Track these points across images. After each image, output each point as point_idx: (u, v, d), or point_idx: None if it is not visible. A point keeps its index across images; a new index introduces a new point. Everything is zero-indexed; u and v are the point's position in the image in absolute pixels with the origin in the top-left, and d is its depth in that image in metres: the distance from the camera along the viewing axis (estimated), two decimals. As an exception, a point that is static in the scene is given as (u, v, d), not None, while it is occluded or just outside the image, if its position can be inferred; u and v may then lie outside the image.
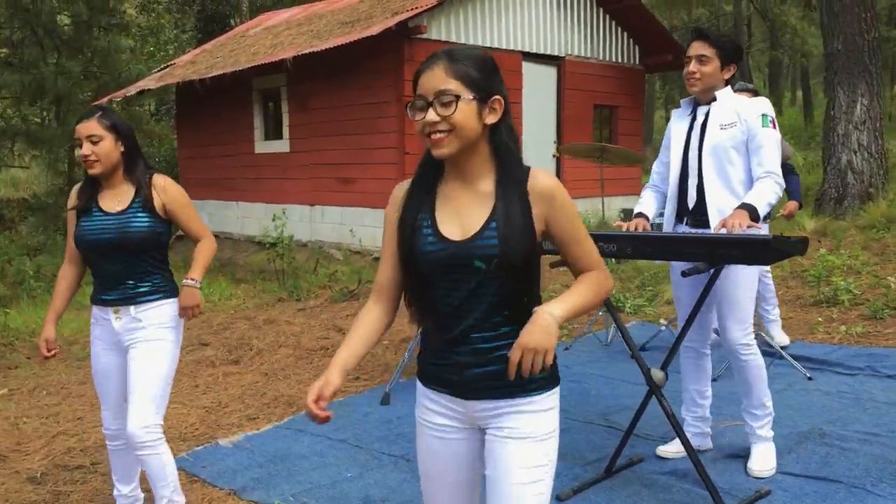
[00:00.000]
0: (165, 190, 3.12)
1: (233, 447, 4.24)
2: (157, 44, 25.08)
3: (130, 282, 3.06)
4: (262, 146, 13.00)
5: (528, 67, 11.95)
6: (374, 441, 4.19)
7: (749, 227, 3.12)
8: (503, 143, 1.88)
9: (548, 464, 1.91)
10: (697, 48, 3.41)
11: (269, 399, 4.97)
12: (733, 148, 3.42)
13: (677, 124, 3.61)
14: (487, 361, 1.88)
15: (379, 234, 10.80)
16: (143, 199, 3.06)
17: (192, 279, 3.15)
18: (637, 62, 13.88)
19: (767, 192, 3.30)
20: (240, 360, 5.93)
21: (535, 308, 1.80)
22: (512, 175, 1.87)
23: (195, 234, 3.24)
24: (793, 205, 5.39)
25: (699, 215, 3.52)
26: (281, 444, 4.23)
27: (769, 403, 3.60)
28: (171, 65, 15.78)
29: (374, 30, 9.71)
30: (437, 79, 1.81)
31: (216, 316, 7.70)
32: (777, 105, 33.15)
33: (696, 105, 3.58)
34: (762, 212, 3.24)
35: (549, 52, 12.26)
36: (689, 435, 3.77)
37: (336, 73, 11.18)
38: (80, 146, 2.99)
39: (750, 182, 3.44)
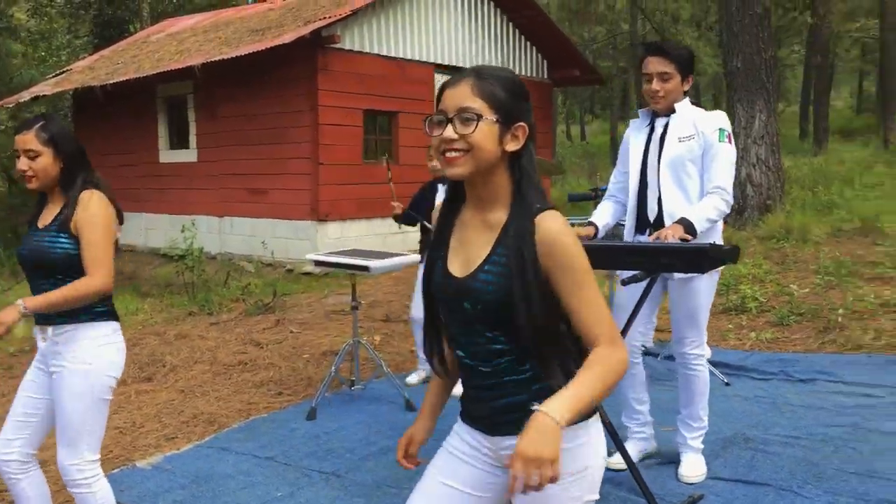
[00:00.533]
0: (85, 207, 2.82)
1: (152, 469, 4.04)
2: (49, 49, 24.06)
3: None
4: (168, 155, 12.61)
5: (440, 79, 11.99)
6: (302, 458, 4.07)
7: (682, 238, 3.17)
8: (523, 174, 1.74)
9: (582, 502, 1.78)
10: (658, 65, 3.39)
11: (187, 417, 4.77)
12: (691, 161, 3.45)
13: (635, 136, 3.61)
14: (501, 395, 1.79)
15: (291, 245, 10.62)
16: (62, 219, 2.82)
17: (24, 304, 2.67)
18: (546, 76, 14.13)
19: (710, 209, 3.33)
20: (153, 378, 5.68)
21: (536, 408, 1.57)
22: (526, 211, 1.71)
23: (84, 262, 2.78)
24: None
25: (660, 225, 3.53)
26: (203, 463, 4.06)
27: (706, 417, 3.66)
28: (67, 70, 15.14)
29: (288, 38, 9.56)
30: (461, 95, 1.71)
31: (122, 331, 7.36)
32: None
33: (653, 116, 3.60)
34: (699, 227, 3.27)
35: (461, 65, 12.35)
36: (634, 440, 3.80)
37: (247, 82, 10.95)
38: (18, 158, 2.78)
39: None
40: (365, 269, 4.46)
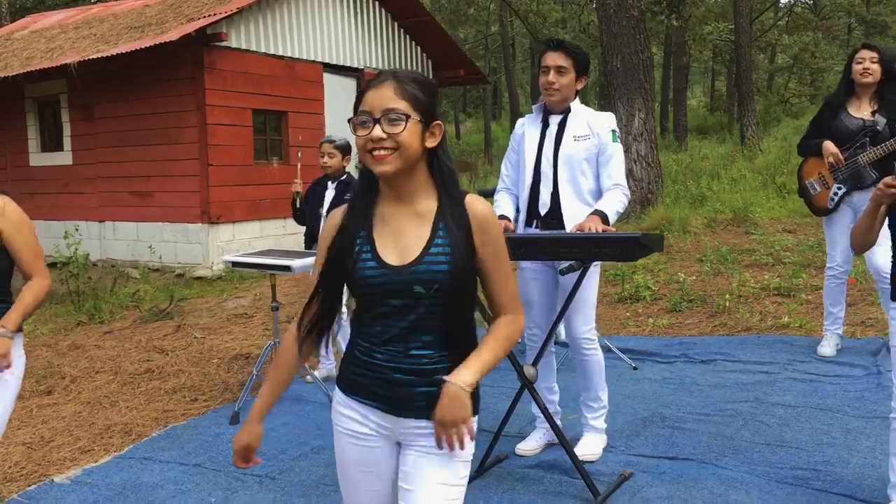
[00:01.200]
0: (3, 212, 2.76)
1: (71, 483, 3.88)
2: None
3: None
4: (39, 158, 11.97)
5: (329, 79, 11.94)
6: (231, 463, 4.00)
7: (604, 230, 3.33)
8: (444, 166, 1.90)
9: (463, 484, 1.94)
10: (556, 59, 3.57)
11: (100, 429, 4.59)
12: (586, 160, 3.63)
13: (530, 131, 3.76)
14: (426, 383, 1.88)
15: (180, 249, 10.32)
16: None
17: (2, 326, 2.73)
18: (431, 76, 14.27)
19: (617, 202, 3.53)
20: (53, 390, 5.42)
21: (444, 378, 1.81)
22: (454, 198, 1.89)
23: (25, 268, 2.84)
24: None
25: (551, 220, 3.68)
26: (127, 474, 3.93)
27: (605, 397, 3.85)
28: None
29: (173, 35, 9.27)
30: (386, 97, 1.81)
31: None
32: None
33: (546, 113, 3.75)
34: (612, 219, 3.47)
35: (349, 65, 12.32)
36: (543, 429, 3.94)
37: (127, 81, 10.54)
38: None
39: (598, 192, 3.65)
40: (287, 268, 4.43)
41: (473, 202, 1.89)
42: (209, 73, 9.97)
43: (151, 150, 10.46)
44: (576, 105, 3.68)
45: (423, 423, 1.89)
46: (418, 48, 13.93)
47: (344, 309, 5.00)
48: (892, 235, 3.00)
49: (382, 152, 1.81)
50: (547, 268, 3.79)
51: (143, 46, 9.52)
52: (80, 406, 5.07)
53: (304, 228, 5.42)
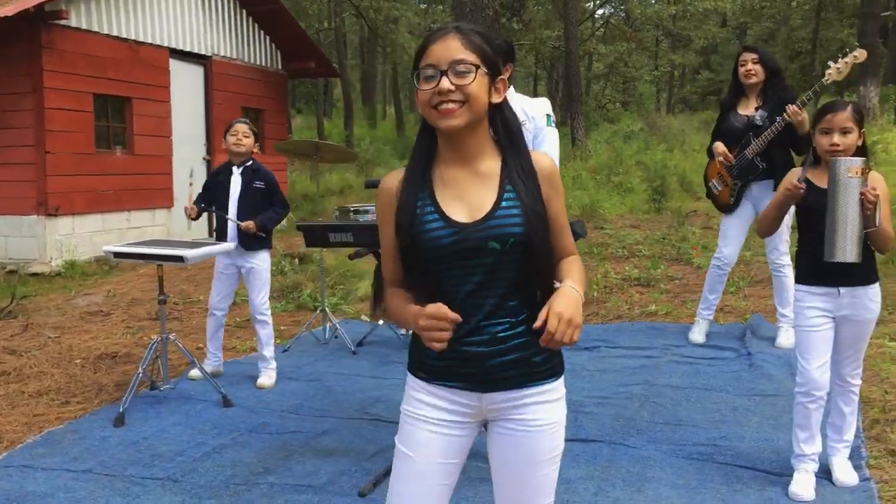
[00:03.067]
0: None
1: (-59, 498, 3.47)
2: None
3: None
4: None
5: (175, 65, 11.37)
6: (125, 467, 3.73)
7: None
8: (508, 122, 1.84)
9: (559, 453, 1.91)
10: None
11: (-39, 437, 4.14)
12: None
13: None
14: (507, 350, 1.80)
15: (12, 243, 9.50)
16: None
17: None
18: (280, 67, 13.94)
19: None
20: None
21: (558, 283, 1.77)
22: (522, 153, 1.84)
23: None
24: None
25: None
26: (7, 484, 3.57)
27: None
28: None
29: (10, 10, 8.49)
30: (453, 49, 1.74)
31: None
32: (372, 118, 35.50)
33: None
34: None
35: (196, 51, 11.78)
36: None
37: (-52, 58, 9.55)
38: None
39: None
40: (179, 258, 4.17)
41: (539, 158, 1.86)
42: (47, 53, 9.22)
43: (-23, 135, 9.54)
44: (510, 93, 3.69)
45: (513, 394, 1.83)
46: (267, 37, 13.55)
47: (265, 308, 4.81)
48: (798, 225, 3.25)
49: (451, 105, 1.73)
50: None
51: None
52: (-72, 414, 4.55)
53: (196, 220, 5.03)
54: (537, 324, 1.68)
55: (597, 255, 8.20)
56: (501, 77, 1.82)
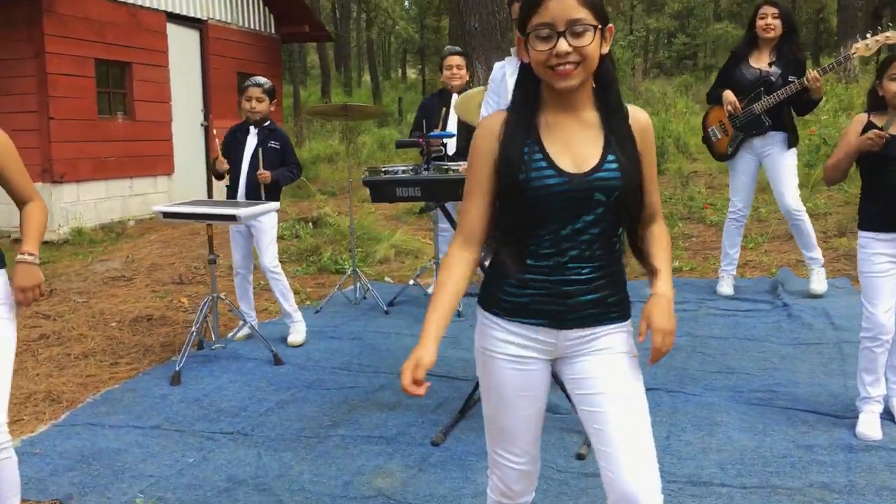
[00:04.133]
0: None
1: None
2: None
3: None
4: None
5: (172, 29, 11.20)
6: (193, 422, 3.77)
7: None
8: (608, 72, 1.84)
9: (641, 379, 1.95)
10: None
11: (19, 398, 4.13)
12: None
13: (512, 73, 3.78)
14: (589, 290, 1.86)
15: (15, 210, 9.36)
16: None
17: (30, 253, 2.55)
18: (273, 31, 13.77)
19: None
20: (-66, 363, 4.80)
21: (653, 292, 1.90)
22: (619, 107, 1.85)
23: (25, 189, 2.68)
24: None
25: None
26: (78, 441, 3.58)
27: None
28: None
29: (11, -29, 8.32)
30: (570, 7, 1.72)
31: None
32: (347, 86, 35.15)
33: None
34: None
35: (192, 15, 11.61)
36: None
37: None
38: None
39: None
40: (232, 218, 4.17)
41: (635, 111, 1.88)
42: (48, 16, 9.05)
43: (-23, 102, 9.37)
44: None
45: (589, 331, 1.89)
46: (260, 1, 13.36)
47: (275, 266, 4.82)
48: (862, 173, 3.32)
49: (567, 66, 1.73)
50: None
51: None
52: (-24, 377, 4.54)
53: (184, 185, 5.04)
54: (640, 338, 1.87)
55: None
56: (609, 25, 1.81)
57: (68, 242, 9.06)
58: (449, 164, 5.53)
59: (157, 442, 3.57)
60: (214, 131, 5.35)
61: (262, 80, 4.86)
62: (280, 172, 4.80)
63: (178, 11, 11.26)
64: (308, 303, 6.00)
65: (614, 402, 1.88)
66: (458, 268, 1.91)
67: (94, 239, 9.14)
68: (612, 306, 1.90)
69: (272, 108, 4.87)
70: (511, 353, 1.92)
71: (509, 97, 3.67)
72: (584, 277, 1.86)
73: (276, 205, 4.59)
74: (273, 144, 4.83)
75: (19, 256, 2.51)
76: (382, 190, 3.54)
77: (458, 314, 5.48)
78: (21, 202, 2.64)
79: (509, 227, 1.88)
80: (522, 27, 1.80)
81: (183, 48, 11.42)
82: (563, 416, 3.60)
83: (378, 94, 30.87)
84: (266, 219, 4.74)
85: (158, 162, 10.88)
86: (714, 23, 35.94)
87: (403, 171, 5.62)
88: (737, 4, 31.39)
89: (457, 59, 5.75)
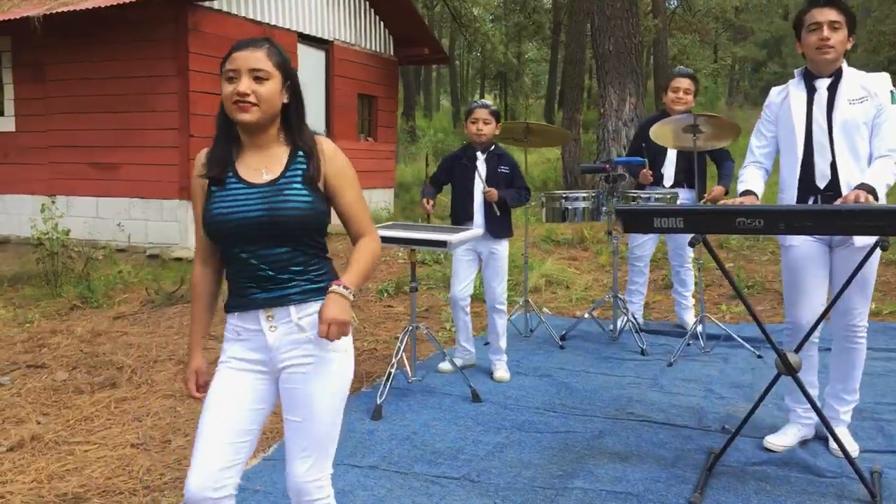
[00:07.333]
0: (333, 158, 2.23)
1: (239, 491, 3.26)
2: None
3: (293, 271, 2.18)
4: (-29, 124, 10.66)
5: (302, 49, 11.21)
6: (411, 464, 3.49)
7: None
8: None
9: None
10: (828, 14, 3.26)
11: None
12: (865, 124, 3.30)
13: (796, 97, 3.43)
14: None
15: (152, 227, 9.43)
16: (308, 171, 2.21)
17: (347, 286, 2.11)
18: (392, 53, 13.72)
19: (888, 173, 3.20)
20: (116, 383, 4.67)
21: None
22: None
23: (363, 222, 2.36)
24: (719, 189, 5.49)
25: (829, 192, 3.34)
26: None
27: (858, 390, 3.59)
28: None
29: (163, -10, 8.38)
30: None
31: None
32: (427, 109, 34.95)
33: (811, 77, 3.42)
34: (880, 193, 3.18)
35: (321, 36, 11.62)
36: (800, 424, 3.61)
37: (88, 40, 9.49)
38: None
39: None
40: (442, 244, 3.91)
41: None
42: (193, 35, 9.10)
43: (118, 119, 9.47)
44: (846, 66, 3.37)
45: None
46: (382, 23, 13.33)
47: (504, 297, 4.56)
48: None
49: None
50: (822, 244, 3.47)
51: (119, 2, 8.57)
52: (163, 399, 4.38)
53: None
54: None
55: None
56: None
57: (202, 260, 9.02)
58: (637, 192, 5.25)
59: (380, 484, 3.30)
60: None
61: (488, 102, 4.63)
62: (508, 193, 4.53)
63: (307, 32, 11.28)
64: (475, 333, 5.72)
65: None
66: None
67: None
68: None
69: (497, 132, 4.60)
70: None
71: (794, 122, 3.32)
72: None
73: (480, 231, 4.33)
74: (503, 169, 4.55)
75: (333, 286, 2.13)
76: (638, 220, 3.22)
77: (642, 352, 5.13)
78: (354, 236, 2.26)
79: None
80: None
81: (311, 68, 11.41)
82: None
83: (458, 118, 30.77)
84: (503, 247, 4.48)
85: (285, 181, 10.83)
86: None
87: (584, 199, 5.39)
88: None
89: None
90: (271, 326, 2.13)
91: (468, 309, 4.70)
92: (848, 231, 3.02)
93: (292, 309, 2.12)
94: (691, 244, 3.12)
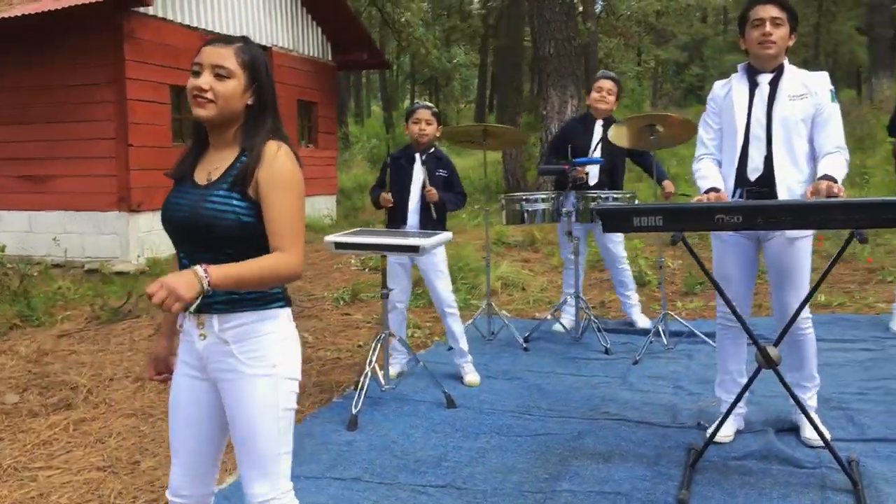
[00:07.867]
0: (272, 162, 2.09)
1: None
2: None
3: None
4: None
5: (241, 56, 10.98)
6: (396, 474, 3.42)
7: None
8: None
9: None
10: (770, 10, 3.35)
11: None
12: (802, 121, 3.40)
13: (738, 90, 3.49)
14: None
15: (91, 242, 9.11)
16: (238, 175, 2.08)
17: (207, 273, 1.88)
18: (330, 58, 13.59)
19: (841, 167, 3.26)
20: (72, 404, 4.47)
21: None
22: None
23: (282, 234, 2.22)
24: (670, 184, 5.57)
25: (761, 187, 3.43)
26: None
27: (818, 375, 3.67)
28: None
29: (98, -5, 8.11)
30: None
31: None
32: (359, 115, 34.79)
33: (753, 72, 3.49)
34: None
35: (257, 42, 11.42)
36: (737, 415, 3.69)
37: (18, 48, 9.13)
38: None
39: (812, 156, 3.44)
40: (414, 249, 3.86)
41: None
42: (129, 42, 8.84)
43: (51, 129, 9.13)
44: (787, 63, 3.45)
45: None
46: (319, 29, 13.18)
47: (453, 300, 4.53)
48: None
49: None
50: (748, 240, 3.55)
51: (53, 8, 8.26)
52: (125, 419, 4.21)
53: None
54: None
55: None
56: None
57: (145, 273, 8.77)
58: (595, 192, 5.29)
59: (366, 496, 3.23)
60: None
61: (429, 103, 4.59)
62: (448, 196, 4.50)
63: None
64: (436, 338, 5.68)
65: None
66: None
67: (167, 270, 8.84)
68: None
69: (438, 134, 4.57)
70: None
71: (736, 116, 3.39)
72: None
73: (449, 235, 4.28)
74: (441, 173, 4.52)
75: (196, 266, 1.91)
76: (616, 218, 3.23)
77: (606, 351, 5.16)
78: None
79: None
80: None
81: (249, 75, 11.19)
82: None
83: (391, 124, 30.60)
84: (440, 251, 4.44)
85: (227, 190, 10.61)
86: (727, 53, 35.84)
87: (543, 200, 5.39)
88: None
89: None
90: (201, 334, 2.06)
91: (406, 312, 4.75)
92: (825, 225, 3.07)
93: (215, 319, 2.03)
94: (672, 242, 3.13)
